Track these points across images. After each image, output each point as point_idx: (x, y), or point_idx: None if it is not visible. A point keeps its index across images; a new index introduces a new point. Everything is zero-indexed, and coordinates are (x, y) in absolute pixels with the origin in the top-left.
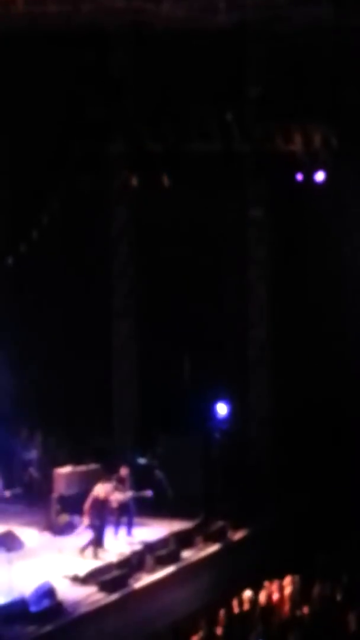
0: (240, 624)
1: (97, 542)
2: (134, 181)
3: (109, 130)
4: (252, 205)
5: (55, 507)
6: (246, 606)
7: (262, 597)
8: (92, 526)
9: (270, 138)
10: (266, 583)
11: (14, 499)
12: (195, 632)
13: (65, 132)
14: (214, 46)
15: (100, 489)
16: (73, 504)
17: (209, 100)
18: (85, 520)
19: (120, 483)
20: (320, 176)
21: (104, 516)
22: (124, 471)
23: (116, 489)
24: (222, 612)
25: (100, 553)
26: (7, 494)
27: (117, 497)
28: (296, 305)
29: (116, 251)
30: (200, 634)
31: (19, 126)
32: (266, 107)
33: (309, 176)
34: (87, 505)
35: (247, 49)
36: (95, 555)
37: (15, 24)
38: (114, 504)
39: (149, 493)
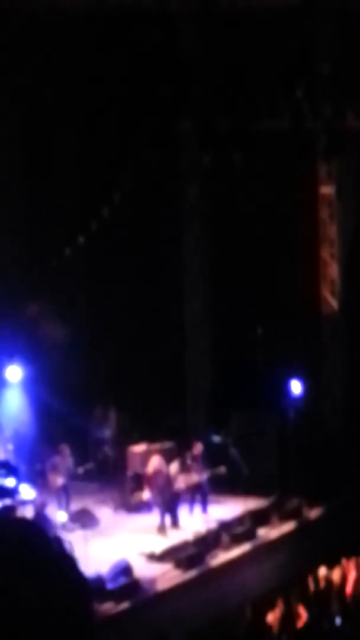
0: (316, 602)
1: (163, 517)
2: (205, 159)
3: (178, 108)
4: (324, 184)
5: (129, 484)
6: (322, 584)
7: (338, 575)
8: (156, 502)
9: (341, 115)
10: (343, 561)
11: (89, 477)
12: (271, 609)
13: (135, 110)
14: (282, 22)
15: (150, 465)
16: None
17: (278, 77)
18: (145, 496)
19: (194, 461)
20: None
21: (166, 491)
22: (197, 448)
23: (187, 465)
24: (298, 591)
25: (175, 530)
26: (80, 470)
27: (182, 475)
28: None
29: (188, 229)
30: (277, 611)
31: (89, 105)
32: (337, 84)
33: None
34: (145, 482)
35: (316, 25)
36: (166, 532)
37: (86, 5)
38: (180, 484)
39: (222, 470)
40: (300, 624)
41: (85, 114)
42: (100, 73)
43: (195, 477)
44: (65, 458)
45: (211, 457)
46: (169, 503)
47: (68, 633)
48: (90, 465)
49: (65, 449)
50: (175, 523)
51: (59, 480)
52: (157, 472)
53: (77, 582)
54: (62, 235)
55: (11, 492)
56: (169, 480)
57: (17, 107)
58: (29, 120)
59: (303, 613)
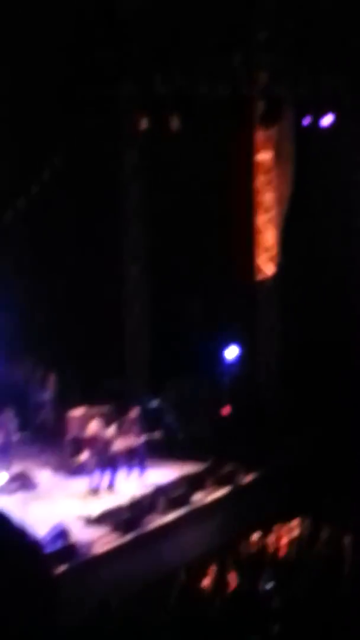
0: (249, 567)
1: (99, 480)
2: (144, 124)
3: (118, 73)
4: (260, 149)
5: (68, 448)
6: (255, 548)
7: (271, 540)
8: (93, 465)
9: (277, 82)
10: (275, 526)
11: (28, 440)
12: (205, 574)
13: (74, 75)
14: None
15: (88, 429)
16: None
17: (217, 43)
18: (82, 458)
19: (131, 425)
20: (327, 120)
21: (103, 454)
22: (133, 412)
23: (122, 429)
24: (231, 555)
25: (111, 494)
26: (18, 436)
27: (120, 438)
28: (302, 247)
29: (127, 194)
30: (211, 576)
31: (26, 69)
32: (273, 51)
33: (315, 120)
34: (83, 445)
35: None
36: (102, 495)
37: None
38: (117, 446)
39: (158, 434)
40: (231, 589)
41: (23, 77)
42: (39, 36)
43: (132, 441)
44: (7, 420)
45: (148, 422)
46: (107, 466)
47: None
48: (28, 433)
49: (8, 411)
50: (111, 486)
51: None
52: (95, 435)
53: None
54: (2, 199)
55: None
56: (107, 444)
57: None
58: None
59: (234, 579)
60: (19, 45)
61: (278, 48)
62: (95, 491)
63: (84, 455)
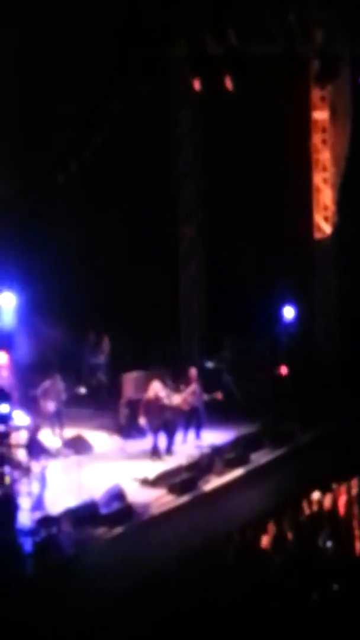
0: (308, 526)
1: (160, 444)
2: (197, 85)
3: (170, 34)
4: (316, 108)
5: (123, 411)
6: (314, 508)
7: (330, 499)
8: (151, 428)
9: (333, 40)
10: (334, 485)
11: (83, 403)
12: (264, 533)
13: (126, 37)
14: None
15: (150, 390)
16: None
17: (270, 1)
18: (141, 421)
19: (188, 384)
20: None
21: (162, 417)
22: (192, 372)
23: (180, 390)
24: (290, 514)
25: (169, 456)
26: (74, 393)
27: (177, 397)
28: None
29: (180, 155)
30: (270, 535)
31: (79, 33)
32: (329, 8)
33: None
34: (140, 407)
35: None
36: (160, 457)
37: None
38: (179, 405)
39: (219, 395)
40: (290, 548)
41: (77, 42)
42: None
43: (191, 402)
44: (56, 383)
45: (205, 383)
46: (165, 428)
47: None
48: (81, 389)
49: (56, 375)
50: (169, 448)
51: (51, 406)
52: (156, 397)
53: None
54: (56, 162)
55: (5, 418)
56: (165, 406)
57: (11, 35)
58: (24, 48)
59: (293, 538)
60: (73, 10)
61: (333, 5)
62: (155, 453)
63: (143, 419)
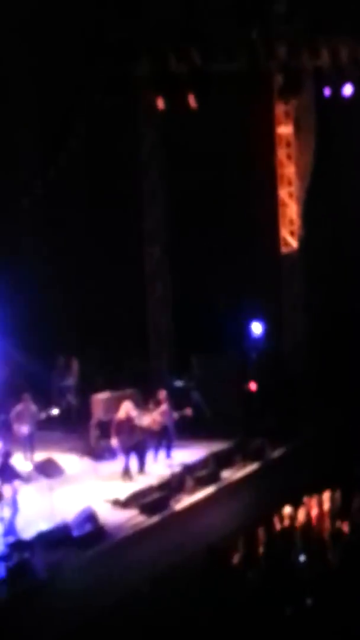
0: (280, 541)
1: (132, 464)
2: (161, 103)
3: (133, 52)
4: (281, 123)
5: (94, 432)
6: (286, 523)
7: (302, 513)
8: (122, 448)
9: (296, 54)
10: (305, 499)
11: (53, 426)
12: (236, 550)
13: (89, 55)
14: None
15: (121, 410)
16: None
17: (233, 18)
18: (113, 442)
19: (158, 405)
20: (348, 90)
21: (133, 437)
22: (161, 394)
23: (149, 410)
24: (262, 530)
25: (141, 476)
26: (44, 415)
27: (147, 417)
28: (326, 222)
29: (145, 174)
30: (241, 552)
31: (43, 50)
32: (291, 23)
33: (336, 91)
34: (112, 428)
35: None
36: (132, 478)
37: None
38: (149, 425)
39: (188, 411)
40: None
41: (40, 60)
42: (54, 17)
43: (161, 421)
44: (29, 406)
45: (175, 402)
46: (136, 448)
47: None
48: (54, 408)
49: (28, 397)
50: (142, 468)
51: (24, 429)
52: (128, 417)
53: None
54: (20, 183)
55: None
56: (136, 426)
57: None
58: None
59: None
60: (36, 27)
61: (295, 20)
62: (126, 474)
63: (115, 439)
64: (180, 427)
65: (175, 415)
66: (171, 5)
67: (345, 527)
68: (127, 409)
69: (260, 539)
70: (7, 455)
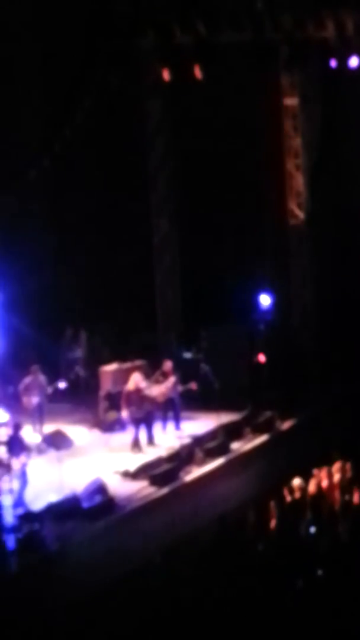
0: (290, 513)
1: (141, 437)
2: (167, 75)
3: (138, 25)
4: (287, 95)
5: (102, 404)
6: (297, 494)
7: (312, 485)
8: (132, 420)
9: (301, 25)
10: (315, 471)
11: (62, 398)
12: (246, 521)
13: (94, 28)
14: None
15: (130, 382)
16: (120, 401)
17: None
18: (123, 414)
19: (164, 377)
20: (354, 62)
21: (143, 408)
22: (167, 365)
23: (157, 382)
24: (272, 502)
25: (149, 447)
26: (52, 388)
27: (155, 389)
28: (332, 192)
29: (152, 146)
30: (251, 523)
31: (47, 25)
32: None
33: (342, 62)
34: (122, 399)
35: None
36: (141, 449)
37: None
38: (156, 397)
39: (193, 386)
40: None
41: (44, 35)
42: None
43: (167, 393)
44: (38, 378)
45: (183, 374)
46: (145, 420)
47: None
48: (62, 382)
49: (37, 369)
50: (150, 440)
51: (33, 400)
52: (137, 389)
53: None
54: (27, 157)
55: None
56: (145, 397)
57: None
58: None
59: (276, 525)
60: (39, 4)
61: None
62: (136, 445)
63: (123, 411)
64: (189, 399)
65: (180, 388)
66: None
67: (356, 499)
68: (136, 380)
69: (271, 511)
70: (18, 427)
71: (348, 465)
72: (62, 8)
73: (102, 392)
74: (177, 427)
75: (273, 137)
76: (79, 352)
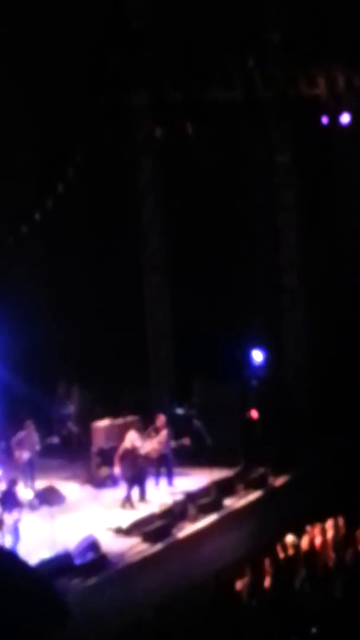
0: (284, 570)
1: (133, 493)
2: (158, 132)
3: (130, 82)
4: (278, 151)
5: (95, 460)
6: (290, 551)
7: (305, 541)
8: (125, 478)
9: (293, 82)
10: (308, 528)
11: (54, 453)
12: (239, 579)
13: (86, 85)
14: None
15: (126, 440)
16: (112, 457)
17: (229, 47)
18: (116, 471)
19: (157, 433)
20: (345, 118)
21: (136, 466)
22: (160, 419)
23: (150, 438)
24: (266, 559)
25: (142, 504)
26: (44, 444)
27: (148, 445)
28: (326, 249)
29: (144, 203)
30: (245, 580)
31: (40, 80)
32: (288, 51)
33: (334, 119)
34: (116, 456)
35: None
36: (134, 506)
37: None
38: (148, 453)
39: (186, 441)
40: (267, 591)
41: (37, 90)
42: (51, 47)
43: (160, 449)
44: (31, 433)
45: (175, 429)
46: (138, 476)
47: None
48: (54, 438)
49: (30, 425)
50: (143, 496)
51: (25, 455)
52: (133, 447)
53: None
54: (19, 212)
55: None
56: (139, 456)
57: None
58: None
59: (269, 582)
60: (33, 57)
61: (292, 48)
62: (128, 502)
63: (115, 467)
64: (182, 455)
65: (173, 444)
66: (167, 33)
67: (349, 556)
68: (132, 439)
69: (266, 568)
70: (13, 483)
71: (341, 522)
72: (54, 64)
73: (95, 448)
74: (170, 483)
75: (265, 192)
76: (71, 408)
